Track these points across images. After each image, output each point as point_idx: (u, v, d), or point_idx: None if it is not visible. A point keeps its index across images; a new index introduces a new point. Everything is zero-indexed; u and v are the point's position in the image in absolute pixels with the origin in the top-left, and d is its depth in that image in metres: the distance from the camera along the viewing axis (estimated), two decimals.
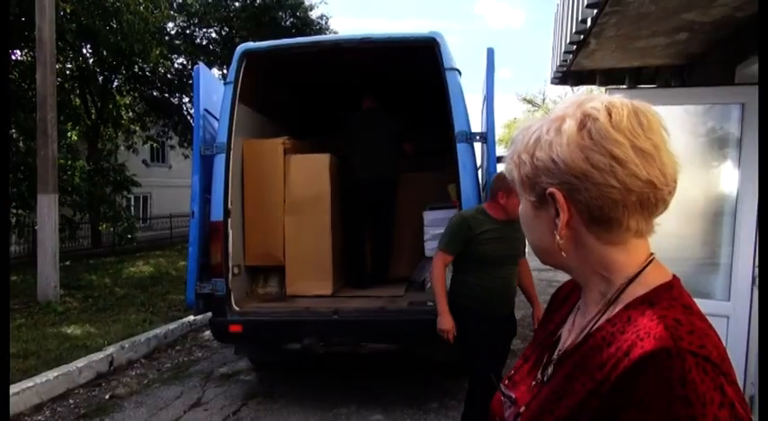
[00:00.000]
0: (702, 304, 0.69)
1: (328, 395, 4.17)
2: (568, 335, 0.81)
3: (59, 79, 10.85)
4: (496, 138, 3.95)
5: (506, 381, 0.89)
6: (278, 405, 4.04)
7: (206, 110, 4.14)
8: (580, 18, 3.65)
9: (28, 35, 10.05)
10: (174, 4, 15.07)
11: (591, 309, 0.77)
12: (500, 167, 3.81)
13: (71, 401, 4.18)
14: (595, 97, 0.73)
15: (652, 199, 0.69)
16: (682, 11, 3.42)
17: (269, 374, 4.76)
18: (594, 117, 0.69)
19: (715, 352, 0.61)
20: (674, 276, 0.74)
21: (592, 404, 0.65)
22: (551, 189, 0.71)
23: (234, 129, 3.98)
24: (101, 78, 14.39)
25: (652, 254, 0.74)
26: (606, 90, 4.28)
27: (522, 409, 0.78)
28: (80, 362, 4.61)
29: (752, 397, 3.01)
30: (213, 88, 4.38)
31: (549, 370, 0.79)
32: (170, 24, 15.18)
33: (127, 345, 5.17)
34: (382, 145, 4.93)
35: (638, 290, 0.71)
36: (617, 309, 0.71)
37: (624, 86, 5.20)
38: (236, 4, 15.74)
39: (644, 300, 0.69)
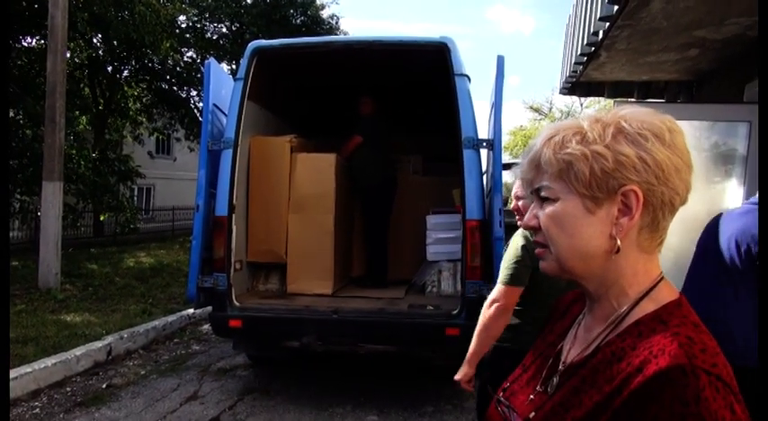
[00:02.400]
0: None
1: (324, 394, 4.18)
2: (571, 348, 0.81)
3: (69, 68, 10.89)
4: (503, 145, 3.97)
5: (502, 392, 0.89)
6: (273, 402, 4.05)
7: (215, 104, 4.16)
8: (592, 30, 3.67)
9: (40, 22, 10.09)
10: None
11: (598, 322, 0.77)
12: (506, 174, 3.84)
13: (68, 389, 4.20)
14: (652, 111, 0.75)
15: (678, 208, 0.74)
16: (693, 27, 3.44)
17: (266, 371, 4.77)
18: (674, 128, 0.72)
19: (725, 371, 0.63)
20: (681, 294, 0.75)
21: (600, 417, 0.66)
22: (633, 186, 0.69)
23: (242, 125, 4.01)
24: (110, 68, 14.43)
25: (661, 271, 0.76)
26: (615, 103, 4.29)
27: (532, 415, 0.78)
28: (78, 351, 4.63)
29: None
30: (222, 83, 4.41)
31: (554, 381, 0.79)
32: (181, 17, 15.23)
33: (125, 336, 5.19)
34: (388, 147, 5.06)
35: (648, 306, 0.72)
36: (627, 324, 0.72)
37: (633, 99, 5.22)
38: (248, 0, 15.79)
39: (655, 317, 0.70)
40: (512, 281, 2.16)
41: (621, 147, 0.70)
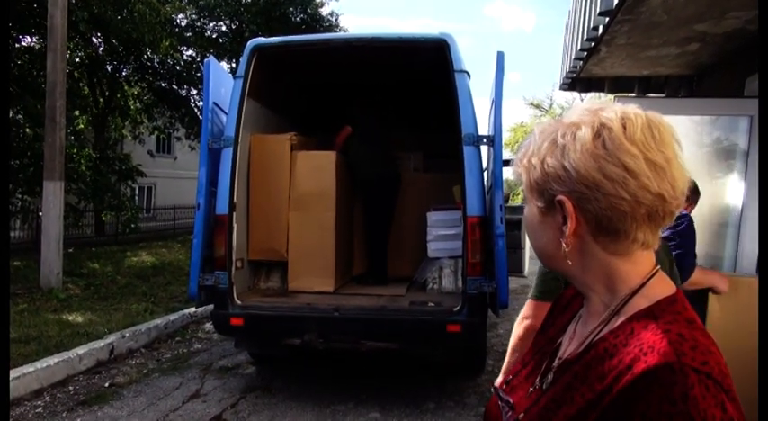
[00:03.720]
0: None
1: (326, 391, 4.19)
2: (569, 344, 0.81)
3: (69, 67, 10.88)
4: (503, 141, 3.96)
5: (504, 386, 0.89)
6: (276, 399, 4.06)
7: (215, 103, 4.15)
8: (592, 25, 3.66)
9: (39, 22, 10.08)
10: None
11: (593, 318, 0.77)
12: (506, 171, 3.84)
13: (71, 388, 4.21)
14: (610, 106, 0.72)
15: (660, 212, 0.69)
16: (694, 21, 3.43)
17: (268, 369, 4.78)
18: (609, 127, 0.68)
19: (717, 368, 0.62)
20: (678, 290, 0.74)
21: (591, 415, 0.65)
22: (561, 196, 0.70)
23: (242, 123, 4.00)
24: (110, 67, 14.43)
25: (657, 266, 0.75)
26: (615, 98, 4.28)
27: (521, 416, 0.78)
28: (81, 350, 4.64)
29: None
30: (222, 81, 4.40)
31: (549, 377, 0.79)
32: (180, 16, 15.21)
33: (127, 334, 5.20)
34: (386, 143, 5.06)
35: (641, 302, 0.71)
36: (620, 321, 0.71)
37: (633, 95, 5.21)
38: None
39: (647, 313, 0.69)
40: (541, 295, 2.00)
41: (549, 158, 0.72)
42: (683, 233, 2.41)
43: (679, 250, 2.35)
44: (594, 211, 0.69)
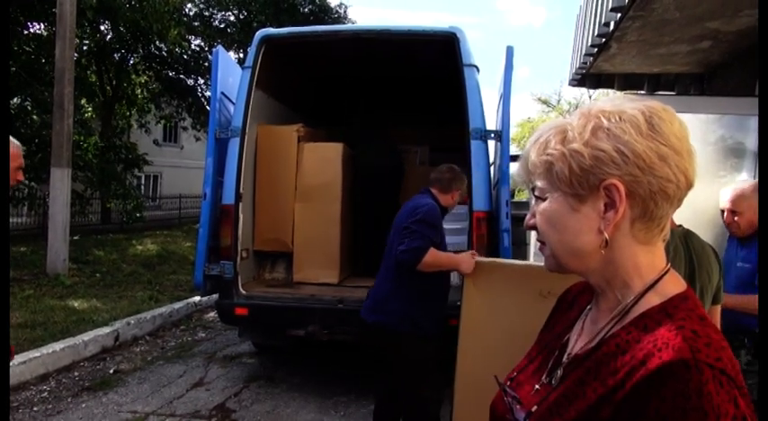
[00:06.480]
0: None
1: (328, 382, 4.21)
2: (577, 340, 0.81)
3: (77, 55, 10.88)
4: (510, 136, 3.94)
5: (509, 381, 0.89)
6: (278, 389, 4.09)
7: (222, 93, 4.16)
8: (603, 21, 3.63)
9: (48, 9, 10.08)
10: None
11: (603, 315, 0.77)
12: (513, 166, 3.82)
13: (76, 373, 4.25)
14: (639, 99, 0.74)
15: (680, 199, 0.72)
16: (706, 19, 3.40)
17: (271, 359, 4.81)
18: (658, 114, 0.71)
19: (730, 365, 0.62)
20: (688, 287, 0.75)
21: (603, 410, 0.66)
22: (613, 180, 0.70)
23: (249, 113, 4.00)
24: (117, 56, 14.42)
25: (668, 264, 0.75)
26: (625, 95, 4.26)
27: (534, 409, 0.78)
28: (86, 336, 4.68)
29: None
30: (230, 72, 4.40)
31: (559, 373, 0.79)
32: (189, 5, 15.18)
33: (132, 322, 5.23)
34: (391, 137, 5.07)
35: (654, 299, 0.72)
36: (632, 317, 0.72)
37: (643, 92, 5.17)
38: None
39: (660, 310, 0.70)
40: None
41: (599, 142, 0.71)
42: (424, 218, 2.65)
43: (411, 235, 2.57)
44: (643, 196, 0.70)
